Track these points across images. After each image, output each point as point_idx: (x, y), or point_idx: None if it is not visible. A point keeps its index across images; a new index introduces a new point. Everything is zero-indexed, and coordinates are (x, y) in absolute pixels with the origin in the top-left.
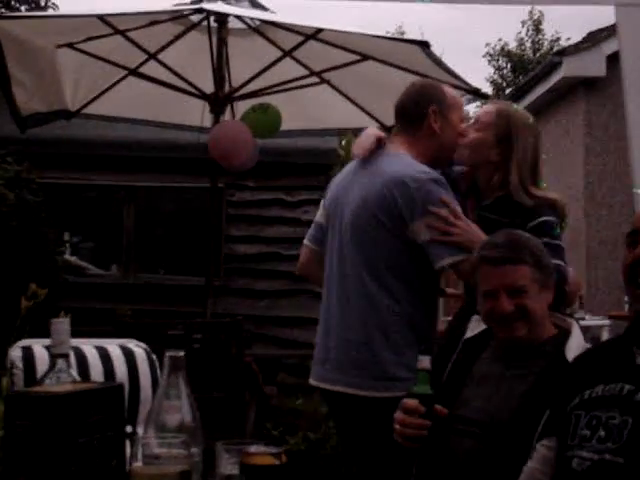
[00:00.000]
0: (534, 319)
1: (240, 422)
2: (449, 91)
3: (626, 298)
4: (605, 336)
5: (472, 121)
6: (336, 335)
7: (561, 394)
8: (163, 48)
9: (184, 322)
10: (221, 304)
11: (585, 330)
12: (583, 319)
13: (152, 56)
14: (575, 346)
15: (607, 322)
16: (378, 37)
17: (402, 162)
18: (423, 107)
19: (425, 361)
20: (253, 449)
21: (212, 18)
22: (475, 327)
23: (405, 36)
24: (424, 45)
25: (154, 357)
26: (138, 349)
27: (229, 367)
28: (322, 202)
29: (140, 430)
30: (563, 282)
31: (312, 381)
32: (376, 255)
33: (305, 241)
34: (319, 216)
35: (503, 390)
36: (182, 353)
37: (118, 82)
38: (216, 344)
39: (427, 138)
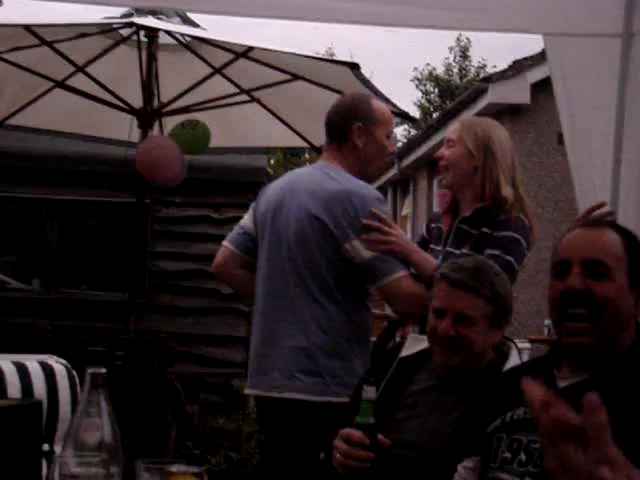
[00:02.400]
0: (471, 352)
1: (161, 441)
2: (378, 106)
3: (546, 322)
4: (525, 358)
5: (444, 144)
6: (281, 344)
7: (483, 414)
8: (92, 61)
9: (106, 338)
10: (145, 321)
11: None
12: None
13: (80, 69)
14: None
15: (527, 345)
16: (308, 57)
17: (342, 178)
18: (348, 122)
19: (371, 392)
20: (174, 468)
21: (142, 33)
22: (412, 346)
23: (335, 57)
24: (354, 67)
25: (74, 374)
26: (58, 365)
27: (151, 385)
28: (252, 207)
29: (58, 448)
30: None
31: (252, 391)
32: (322, 268)
33: (225, 242)
34: (246, 221)
35: (438, 415)
36: (103, 370)
37: (44, 94)
38: (139, 361)
39: (350, 153)
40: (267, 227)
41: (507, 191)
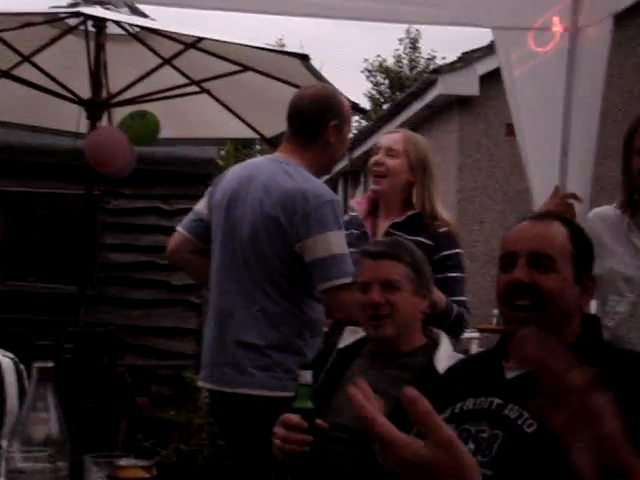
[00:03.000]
0: (403, 319)
1: (111, 434)
2: (345, 103)
3: (495, 311)
4: (474, 348)
5: (382, 150)
6: (235, 339)
7: (433, 405)
8: (38, 51)
9: (55, 331)
10: (94, 313)
11: (455, 342)
12: None
13: (26, 58)
14: (444, 356)
15: (476, 335)
16: (258, 48)
17: (299, 175)
18: (324, 119)
19: (306, 375)
20: (123, 462)
21: (90, 23)
22: (349, 337)
23: (285, 48)
24: (304, 58)
25: (22, 367)
26: (4, 359)
27: (101, 378)
28: (207, 193)
29: (4, 443)
30: (463, 320)
31: (204, 384)
32: (273, 263)
33: (179, 228)
34: (201, 207)
35: (376, 395)
36: (50, 364)
37: None
38: (88, 354)
39: (320, 150)
40: (222, 217)
41: (442, 211)
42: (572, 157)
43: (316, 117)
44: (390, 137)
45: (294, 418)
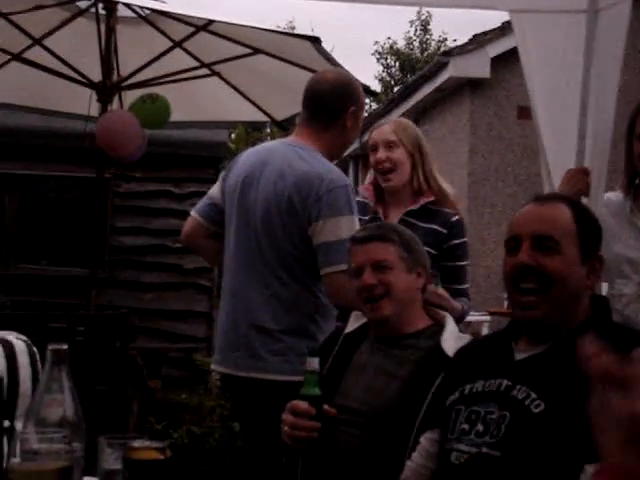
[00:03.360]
0: (398, 297)
1: (123, 416)
2: (361, 90)
3: (505, 295)
4: (485, 331)
5: (380, 145)
6: (248, 323)
7: (442, 387)
8: (49, 34)
9: (67, 314)
10: (106, 296)
11: (466, 325)
12: None
13: (37, 41)
14: (450, 337)
15: (487, 318)
16: (269, 31)
17: (313, 159)
18: (344, 104)
19: (313, 362)
20: (137, 444)
21: (100, 5)
22: (354, 322)
23: (296, 31)
24: (315, 40)
25: (35, 350)
26: (18, 342)
27: (113, 360)
28: (221, 177)
29: (19, 425)
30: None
31: (218, 367)
32: (286, 247)
33: (193, 212)
34: (215, 192)
35: (381, 379)
36: (65, 346)
37: (0, 67)
38: (100, 337)
39: (337, 135)
40: (235, 201)
41: (445, 185)
42: (589, 140)
43: (336, 100)
44: (383, 130)
45: (302, 405)
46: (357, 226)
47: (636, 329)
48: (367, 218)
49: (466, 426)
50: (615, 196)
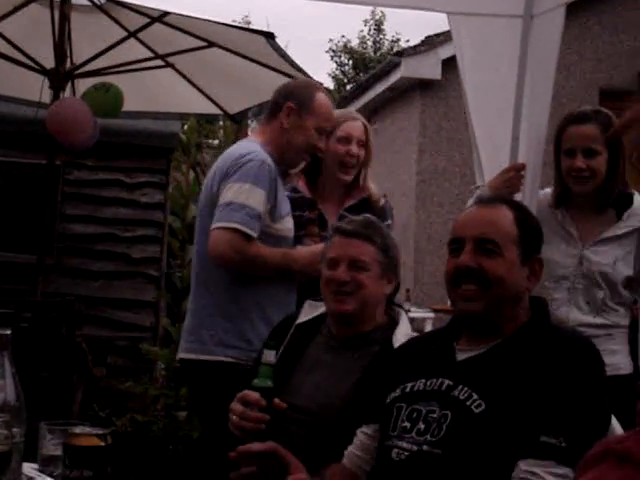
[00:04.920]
0: (365, 298)
1: (67, 403)
2: (320, 99)
3: None
4: (428, 328)
5: (355, 142)
6: (189, 307)
7: (382, 383)
8: (1, 18)
9: (13, 300)
10: (53, 283)
11: (410, 322)
12: (409, 311)
13: None
14: (402, 335)
15: (431, 315)
16: (224, 25)
17: (240, 144)
18: (281, 100)
19: (270, 355)
20: (78, 430)
21: None
22: (308, 312)
23: (251, 26)
24: (269, 36)
25: None
26: None
27: (58, 347)
28: None
29: None
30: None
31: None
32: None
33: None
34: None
35: (333, 378)
36: (8, 331)
37: None
38: (45, 324)
39: (275, 130)
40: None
41: (372, 185)
42: (522, 142)
43: (276, 97)
44: (358, 127)
45: (253, 395)
46: (259, 198)
47: (573, 330)
48: (307, 213)
49: (407, 424)
50: (544, 199)
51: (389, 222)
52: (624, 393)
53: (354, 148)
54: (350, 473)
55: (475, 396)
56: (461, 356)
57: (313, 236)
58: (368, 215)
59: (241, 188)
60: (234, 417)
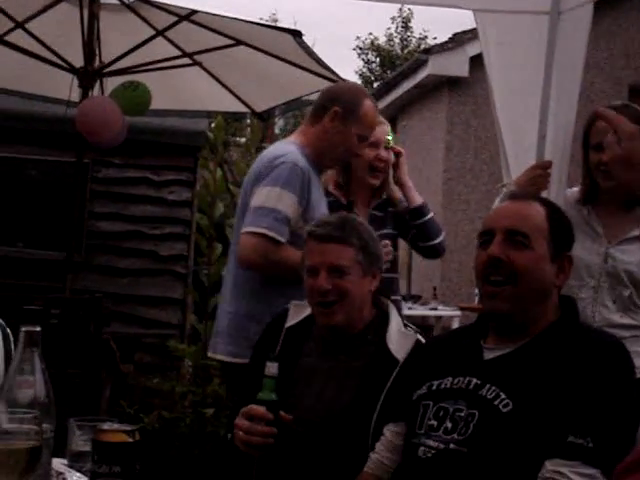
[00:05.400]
0: (351, 303)
1: (95, 400)
2: (367, 106)
3: (476, 291)
4: (455, 326)
5: (382, 146)
6: (225, 310)
7: (407, 380)
8: (32, 17)
9: (42, 297)
10: (81, 281)
11: (437, 320)
12: (436, 309)
13: (20, 25)
14: (395, 335)
15: (458, 313)
16: (252, 23)
17: (278, 145)
18: (328, 103)
19: (273, 367)
20: (106, 426)
21: None
22: (296, 314)
23: (278, 24)
24: (296, 34)
25: (8, 331)
26: None
27: (87, 344)
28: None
29: None
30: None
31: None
32: None
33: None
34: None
35: (332, 386)
36: (38, 328)
37: None
38: (74, 321)
39: (318, 133)
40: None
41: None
42: (549, 140)
43: (323, 99)
44: (386, 131)
45: (259, 410)
46: (289, 202)
47: (603, 331)
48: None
49: (434, 422)
50: (571, 196)
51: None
52: None
53: (383, 152)
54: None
55: (503, 395)
56: (488, 355)
57: None
58: (341, 214)
59: (271, 192)
60: (240, 433)
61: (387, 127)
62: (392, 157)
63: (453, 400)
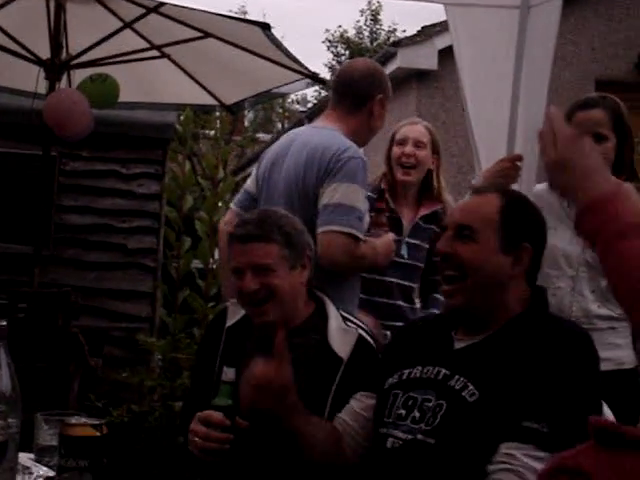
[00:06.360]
0: (283, 299)
1: (63, 394)
2: (388, 80)
3: None
4: None
5: (410, 142)
6: None
7: (379, 364)
8: None
9: (9, 290)
10: (49, 274)
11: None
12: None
13: None
14: (337, 333)
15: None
16: (220, 15)
17: (330, 135)
18: (372, 91)
19: (230, 373)
20: (73, 420)
21: None
22: (234, 313)
23: (247, 16)
24: (265, 27)
25: None
26: None
27: (54, 338)
28: (254, 171)
29: None
30: None
31: None
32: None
33: (232, 205)
34: (249, 184)
35: None
36: (4, 322)
37: None
38: (42, 314)
39: (363, 120)
40: (264, 187)
41: (448, 197)
42: (519, 133)
43: (364, 88)
44: (416, 129)
45: (218, 416)
46: (362, 198)
47: (571, 321)
48: (394, 216)
49: (403, 411)
50: (546, 189)
51: None
52: (627, 387)
53: (408, 148)
54: (335, 431)
55: (470, 386)
56: (458, 345)
57: (380, 225)
58: (261, 209)
59: (348, 189)
60: (197, 439)
61: (419, 126)
62: (429, 156)
63: (422, 390)
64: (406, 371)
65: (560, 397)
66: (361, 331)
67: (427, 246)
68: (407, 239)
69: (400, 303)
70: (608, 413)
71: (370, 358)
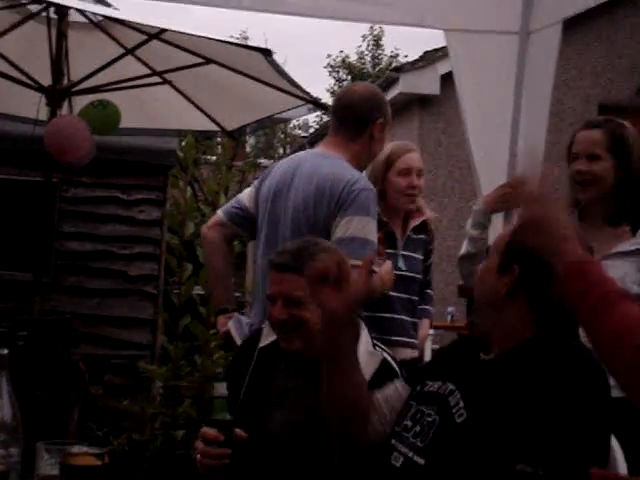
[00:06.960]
0: (310, 332)
1: (64, 422)
2: (387, 103)
3: (449, 309)
4: (428, 345)
5: (414, 173)
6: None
7: (415, 374)
8: None
9: (9, 318)
10: (50, 302)
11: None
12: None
13: None
14: (363, 357)
15: (431, 332)
16: (222, 41)
17: (338, 164)
18: (371, 115)
19: (221, 388)
20: (75, 449)
21: (52, 9)
22: (268, 334)
23: (249, 42)
24: (267, 53)
25: None
26: None
27: (55, 366)
28: (253, 186)
29: None
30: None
31: None
32: None
33: (219, 211)
34: (244, 197)
35: (303, 406)
36: (5, 351)
37: None
38: (42, 342)
39: (364, 145)
40: (266, 211)
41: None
42: (520, 159)
43: (363, 112)
44: (416, 158)
45: (211, 432)
46: (374, 230)
47: (584, 350)
48: (391, 231)
49: (409, 423)
50: None
51: (431, 247)
52: (633, 416)
53: (415, 180)
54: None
55: (461, 404)
56: (472, 363)
57: (379, 254)
58: (304, 240)
59: (361, 222)
60: (198, 456)
61: (417, 154)
62: (422, 182)
63: (430, 405)
64: (428, 383)
65: (560, 438)
66: (386, 355)
67: (421, 257)
68: (402, 252)
69: (403, 317)
70: (616, 448)
71: (389, 379)
